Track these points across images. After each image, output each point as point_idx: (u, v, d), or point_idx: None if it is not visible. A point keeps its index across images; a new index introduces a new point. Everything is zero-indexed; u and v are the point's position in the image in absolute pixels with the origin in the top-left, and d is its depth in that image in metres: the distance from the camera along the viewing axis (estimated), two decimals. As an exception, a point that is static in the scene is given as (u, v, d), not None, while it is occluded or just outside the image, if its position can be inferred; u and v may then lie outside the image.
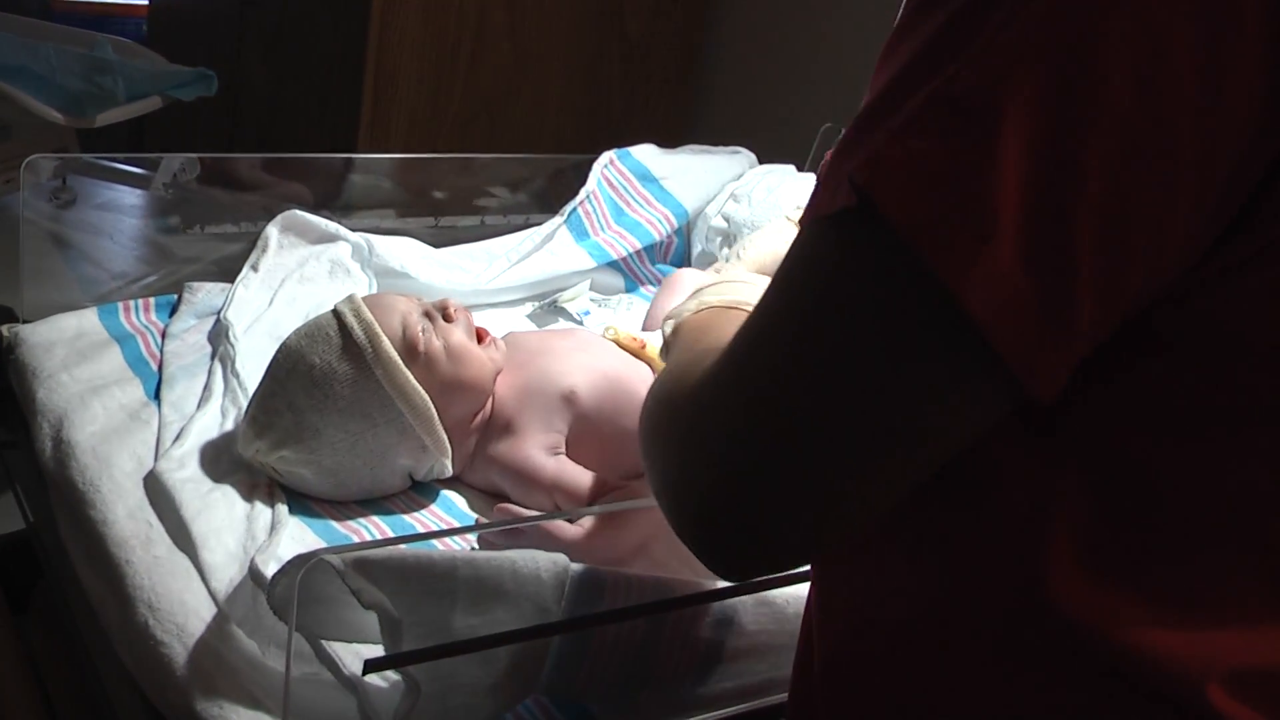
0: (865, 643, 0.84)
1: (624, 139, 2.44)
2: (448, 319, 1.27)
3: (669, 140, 1.89)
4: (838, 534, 0.77)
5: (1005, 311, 0.63)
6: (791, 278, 0.74)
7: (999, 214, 0.62)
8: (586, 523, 1.15)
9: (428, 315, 1.26)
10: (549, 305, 1.67)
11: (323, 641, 0.95)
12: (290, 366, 1.22)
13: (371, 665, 0.86)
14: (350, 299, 1.25)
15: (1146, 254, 0.63)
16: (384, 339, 1.21)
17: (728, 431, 0.75)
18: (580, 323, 1.66)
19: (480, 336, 1.28)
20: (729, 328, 0.80)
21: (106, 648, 1.10)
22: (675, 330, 1.08)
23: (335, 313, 1.24)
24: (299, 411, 1.20)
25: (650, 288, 1.79)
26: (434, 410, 1.21)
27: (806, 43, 2.47)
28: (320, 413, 1.20)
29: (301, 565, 0.85)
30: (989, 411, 0.69)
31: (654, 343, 1.35)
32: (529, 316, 1.67)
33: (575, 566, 0.96)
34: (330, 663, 0.95)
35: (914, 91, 0.65)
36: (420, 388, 1.21)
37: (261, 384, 1.24)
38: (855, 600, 0.85)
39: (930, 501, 0.76)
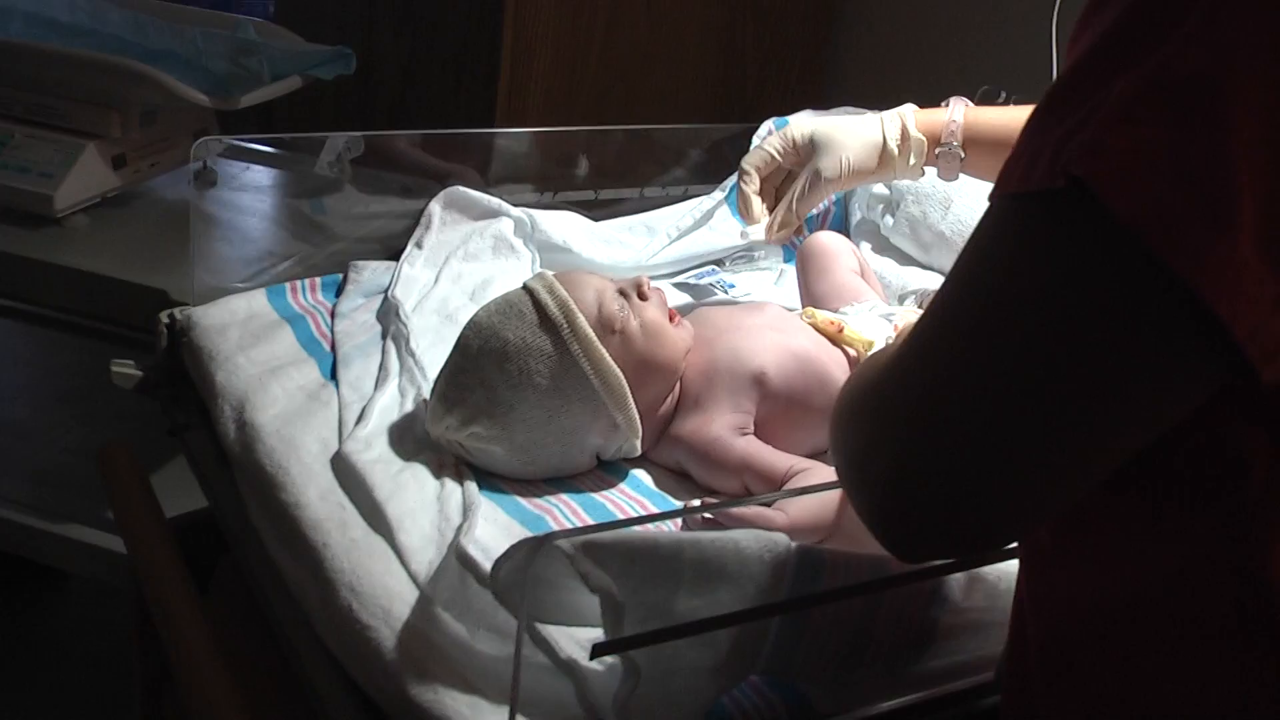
0: (1085, 628, 0.82)
1: (759, 105, 2.42)
2: (642, 297, 1.24)
3: (803, 103, 1.86)
4: (1022, 523, 0.76)
5: (1244, 301, 0.61)
6: (983, 255, 0.72)
7: (1236, 201, 0.60)
8: (786, 506, 1.13)
9: (622, 293, 1.24)
10: (700, 276, 1.65)
11: (538, 625, 0.93)
12: (482, 342, 1.20)
13: (600, 649, 0.84)
14: (541, 275, 1.23)
15: None
16: (579, 315, 1.19)
17: (911, 411, 0.74)
18: (725, 292, 1.63)
19: (670, 316, 1.25)
20: None
21: (305, 630, 1.10)
22: (899, 335, 1.07)
23: (527, 289, 1.22)
24: (492, 387, 1.18)
25: (810, 258, 1.76)
26: (628, 389, 1.19)
27: (946, 2, 2.42)
28: (514, 388, 1.18)
29: (531, 550, 0.84)
30: (1197, 396, 0.67)
31: (855, 327, 1.32)
32: (675, 286, 1.65)
33: (795, 546, 0.94)
34: (547, 647, 0.93)
35: (1122, 67, 0.63)
36: (615, 365, 1.19)
37: (450, 360, 1.23)
38: (1073, 585, 0.83)
39: (1164, 490, 0.74)
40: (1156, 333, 0.65)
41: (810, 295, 1.48)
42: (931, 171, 1.47)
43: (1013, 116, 1.42)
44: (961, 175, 1.47)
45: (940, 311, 0.76)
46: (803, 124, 1.47)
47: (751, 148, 1.52)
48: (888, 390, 0.78)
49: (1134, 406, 0.68)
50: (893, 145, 1.42)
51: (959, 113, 1.42)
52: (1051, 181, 0.65)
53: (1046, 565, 0.85)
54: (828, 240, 1.52)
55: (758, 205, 1.47)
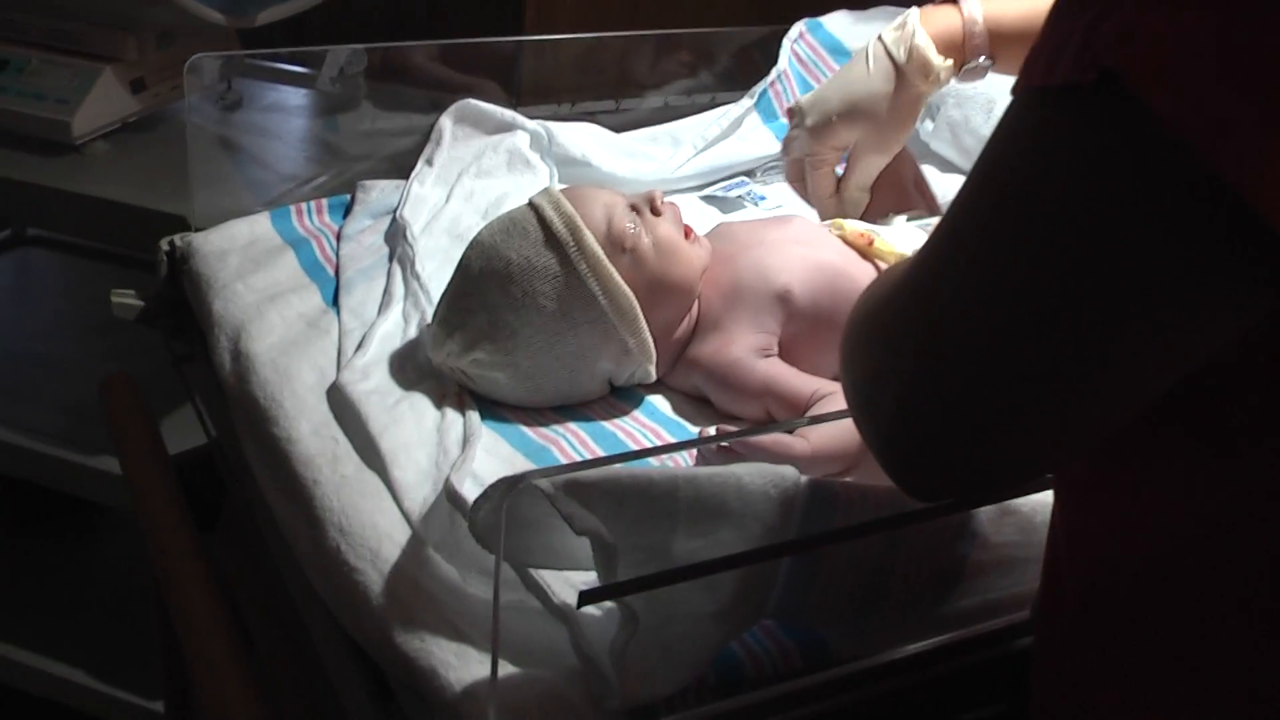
0: (1123, 566, 0.75)
1: (802, 5, 2.31)
2: (655, 212, 1.16)
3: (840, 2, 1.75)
4: (1041, 461, 0.69)
5: None
6: (1001, 159, 0.64)
7: None
8: (808, 433, 1.05)
9: (634, 209, 1.16)
10: (728, 189, 1.56)
11: (530, 569, 0.87)
12: (484, 263, 1.13)
13: (587, 597, 0.77)
14: (547, 191, 1.16)
15: None
16: (586, 232, 1.11)
17: (920, 334, 0.67)
18: (756, 205, 1.54)
19: (685, 233, 1.17)
20: None
21: (297, 571, 1.04)
22: None
23: (532, 205, 1.15)
24: (494, 310, 1.11)
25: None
26: (639, 310, 1.12)
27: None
28: (517, 311, 1.11)
29: (507, 490, 0.77)
30: (1240, 323, 0.59)
31: (888, 239, 1.23)
32: (702, 199, 1.56)
33: (804, 480, 0.86)
34: (539, 591, 0.87)
35: None
36: (625, 285, 1.11)
37: (451, 283, 1.16)
38: (1111, 521, 0.76)
39: (1210, 427, 0.67)
40: (1197, 247, 0.57)
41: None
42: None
43: (1035, 2, 1.28)
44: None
45: (953, 222, 0.68)
46: (819, 109, 1.32)
47: (783, 155, 1.39)
48: (896, 311, 0.71)
49: (1166, 333, 0.60)
50: (920, 86, 1.29)
51: (975, 13, 1.28)
52: (1079, 75, 0.57)
53: (1083, 498, 0.78)
54: None
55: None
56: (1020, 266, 0.62)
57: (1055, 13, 0.61)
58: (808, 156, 1.34)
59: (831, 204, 1.36)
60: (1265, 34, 0.52)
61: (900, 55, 1.28)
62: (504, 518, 0.76)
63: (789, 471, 0.86)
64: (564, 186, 1.20)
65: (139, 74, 1.90)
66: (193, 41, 2.03)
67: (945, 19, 1.29)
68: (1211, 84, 0.53)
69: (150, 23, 1.91)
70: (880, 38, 1.30)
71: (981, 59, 1.28)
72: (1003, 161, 0.64)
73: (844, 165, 1.36)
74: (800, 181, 1.37)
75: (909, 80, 1.28)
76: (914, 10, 1.30)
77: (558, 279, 1.11)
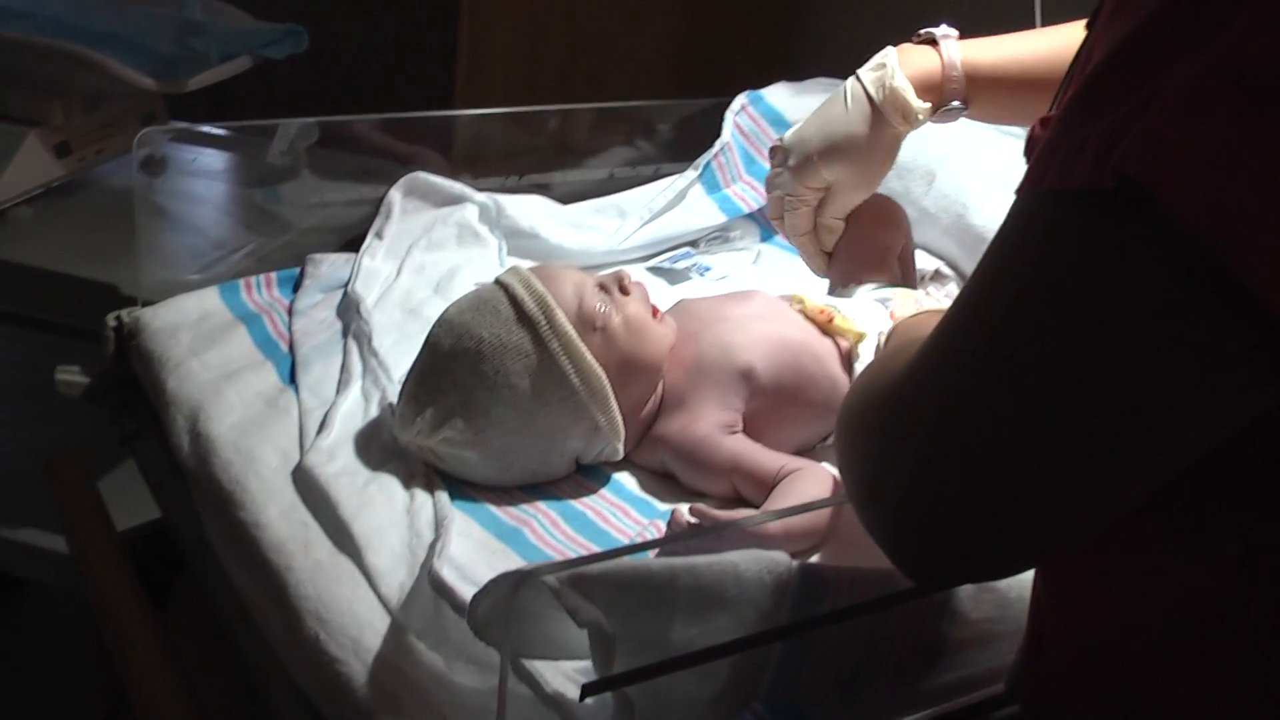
0: (1110, 638, 0.77)
1: (726, 74, 2.34)
2: (624, 291, 1.17)
3: (771, 70, 1.78)
4: (1046, 549, 0.71)
5: None
6: (1013, 259, 0.65)
7: None
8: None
9: (603, 288, 1.16)
10: (674, 260, 1.58)
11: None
12: (454, 341, 1.13)
13: (590, 689, 0.76)
14: (515, 270, 1.16)
15: None
16: (558, 311, 1.12)
17: (927, 427, 0.67)
18: (702, 276, 1.56)
19: (653, 312, 1.18)
20: None
21: (269, 658, 1.03)
22: (892, 331, 1.00)
23: (501, 284, 1.15)
24: (465, 389, 1.11)
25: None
26: (610, 389, 1.12)
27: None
28: (489, 390, 1.11)
29: (512, 584, 0.76)
30: (1248, 417, 0.61)
31: (848, 314, 1.24)
32: (649, 270, 1.58)
33: (795, 565, 0.87)
34: (532, 681, 0.86)
35: (1178, 52, 0.56)
36: (597, 364, 1.12)
37: (419, 361, 1.15)
38: (1096, 597, 0.77)
39: (1198, 511, 0.69)
40: (1215, 350, 0.59)
41: (840, 267, 1.39)
42: (912, 143, 1.38)
43: (1012, 49, 1.29)
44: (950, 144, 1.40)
45: (961, 318, 0.69)
46: (801, 150, 1.32)
47: (767, 191, 1.39)
48: (901, 403, 0.71)
49: (1177, 430, 0.62)
50: (898, 127, 1.30)
51: (955, 56, 1.28)
52: (1099, 181, 0.58)
53: (1067, 575, 0.79)
54: (875, 206, 1.39)
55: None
56: (1033, 363, 0.63)
57: (1066, 117, 0.63)
58: (788, 196, 1.34)
59: (808, 240, 1.37)
60: None
61: (879, 96, 1.28)
62: (511, 612, 0.76)
63: (781, 557, 0.87)
64: (532, 265, 1.20)
65: (64, 138, 1.88)
66: (119, 105, 2.01)
67: (923, 60, 1.30)
68: (1237, 195, 0.55)
69: (79, 87, 1.89)
70: (859, 77, 1.31)
71: (956, 102, 1.29)
72: (1015, 261, 0.65)
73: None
74: (780, 219, 1.38)
75: (887, 120, 1.29)
76: (891, 50, 1.31)
77: (530, 358, 1.11)
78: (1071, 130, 0.61)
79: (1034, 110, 1.25)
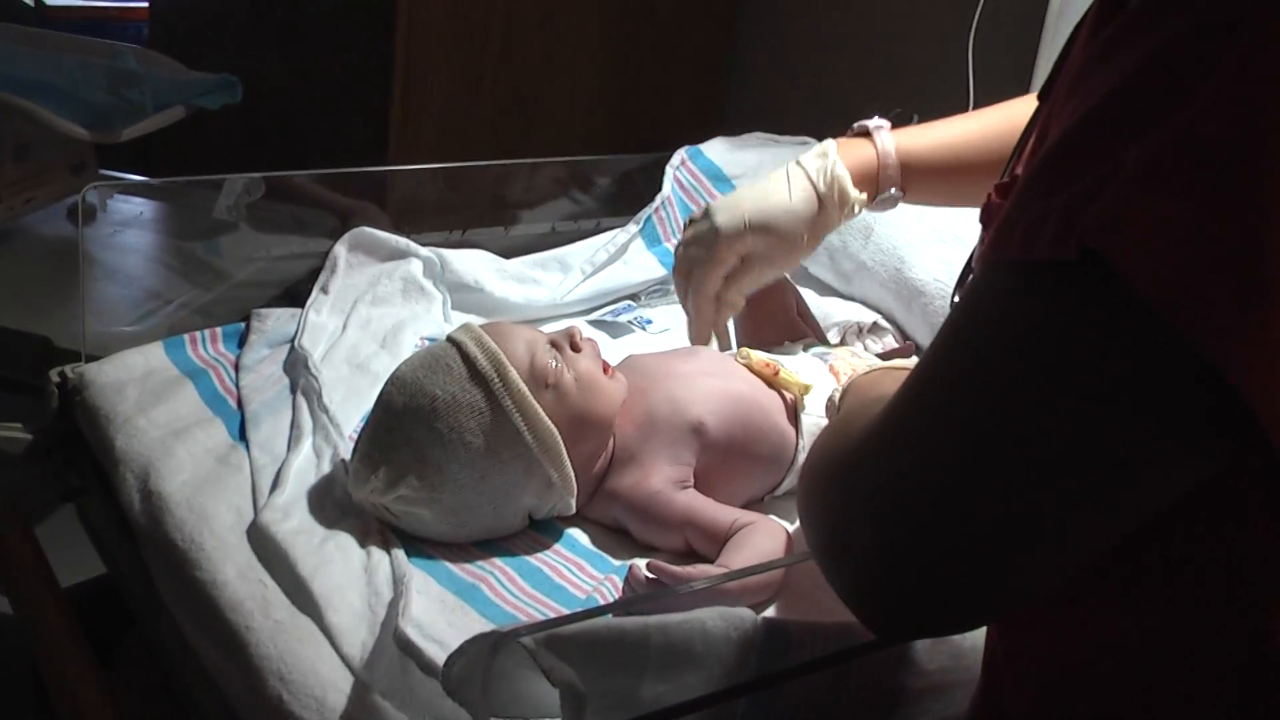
0: (1066, 687, 0.79)
1: (660, 126, 2.37)
2: (575, 348, 1.18)
3: (703, 124, 1.82)
4: (1007, 603, 0.72)
5: (1276, 385, 0.58)
6: (974, 322, 0.68)
7: (1267, 281, 0.56)
8: (733, 565, 1.09)
9: (554, 345, 1.18)
10: (616, 313, 1.60)
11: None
12: (407, 399, 1.13)
13: (564, 748, 0.78)
14: (467, 327, 1.17)
15: None
16: (511, 369, 1.13)
17: (890, 488, 0.69)
18: (644, 329, 1.58)
19: (604, 368, 1.20)
20: (898, 387, 0.74)
21: (228, 715, 1.03)
22: (845, 389, 1.02)
23: (454, 341, 1.16)
24: (419, 446, 1.11)
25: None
26: (563, 445, 1.13)
27: (844, 18, 2.39)
28: (443, 447, 1.11)
29: (490, 646, 0.77)
30: (1202, 475, 0.64)
31: (791, 368, 1.27)
32: (590, 323, 1.59)
33: (760, 621, 0.89)
34: (500, 739, 0.87)
35: (1137, 128, 0.59)
36: (549, 421, 1.13)
37: (372, 419, 1.16)
38: (1052, 647, 0.79)
39: (1151, 565, 0.71)
40: (1171, 414, 0.61)
41: (746, 332, 1.43)
42: None
43: (943, 135, 1.34)
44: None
45: (923, 379, 0.71)
46: (733, 211, 1.33)
47: (681, 240, 1.38)
48: (864, 464, 0.73)
49: (1134, 488, 0.64)
50: (834, 215, 1.33)
51: (889, 146, 1.34)
52: (1061, 253, 0.60)
53: (1021, 622, 0.81)
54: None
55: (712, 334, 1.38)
56: (993, 424, 0.65)
57: (1027, 190, 0.65)
58: (707, 254, 1.34)
59: (709, 305, 1.36)
60: (1241, 223, 0.57)
61: (822, 185, 1.32)
62: (488, 674, 0.77)
63: (746, 614, 0.88)
64: (477, 319, 1.21)
65: (-8, 187, 1.86)
66: (48, 155, 2.00)
67: (860, 151, 1.34)
68: (1192, 269, 0.57)
69: (8, 136, 1.87)
70: (800, 163, 1.33)
71: (893, 190, 1.33)
72: (976, 326, 0.68)
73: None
74: (685, 277, 1.37)
75: (826, 209, 1.32)
76: (831, 142, 1.35)
77: (483, 415, 1.12)
78: (1033, 201, 0.63)
79: (967, 193, 1.31)
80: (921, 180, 1.34)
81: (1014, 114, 1.29)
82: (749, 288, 1.36)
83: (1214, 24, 0.58)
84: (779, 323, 1.42)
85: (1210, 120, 0.57)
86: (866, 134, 1.35)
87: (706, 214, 1.35)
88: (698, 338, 1.38)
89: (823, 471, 0.79)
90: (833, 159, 1.32)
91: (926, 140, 1.34)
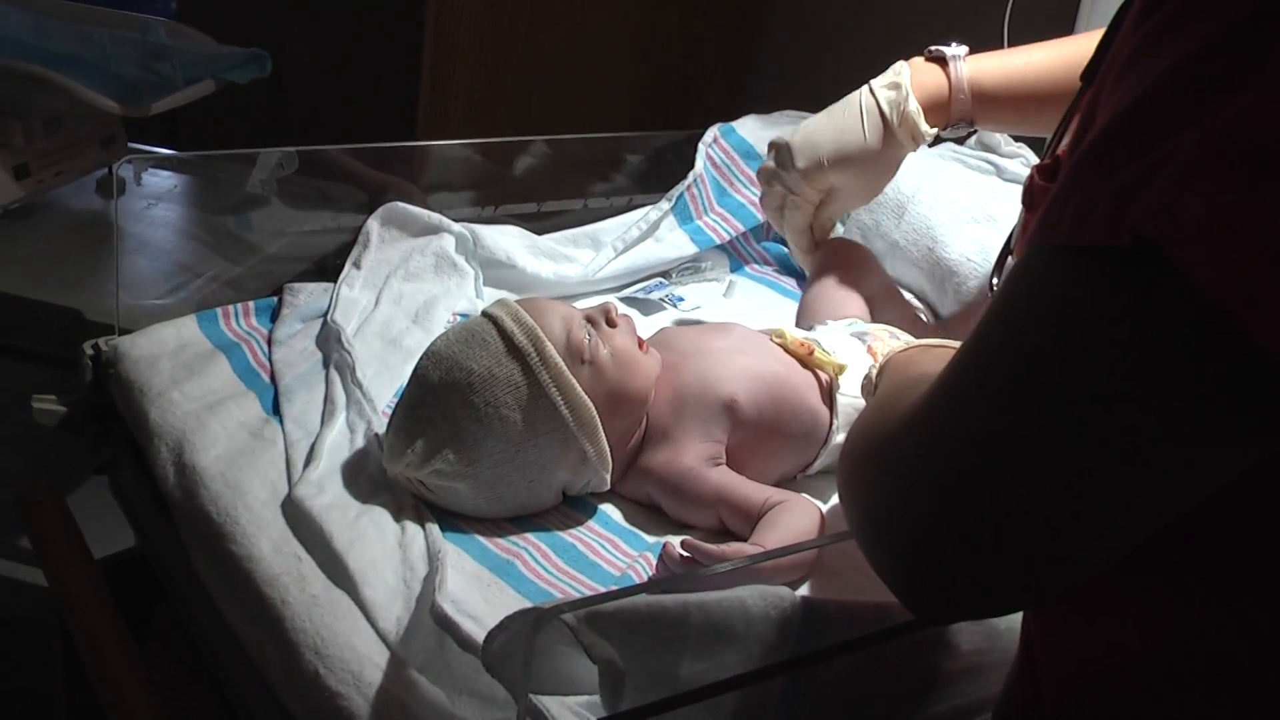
0: (1103, 675, 0.78)
1: (686, 105, 2.36)
2: (611, 324, 1.18)
3: (735, 101, 1.81)
4: (1051, 587, 0.71)
5: None
6: (1020, 304, 0.67)
7: None
8: (767, 544, 1.08)
9: (589, 320, 1.17)
10: (647, 290, 1.59)
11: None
12: (443, 374, 1.13)
13: (607, 725, 0.78)
14: (503, 302, 1.17)
15: None
16: (548, 344, 1.13)
17: (933, 469, 0.69)
18: (675, 306, 1.58)
19: (639, 344, 1.19)
20: (937, 365, 0.74)
21: (263, 693, 1.03)
22: (882, 367, 1.01)
23: (490, 316, 1.15)
24: (455, 421, 1.11)
25: (756, 266, 1.71)
26: (599, 420, 1.13)
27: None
28: (480, 421, 1.11)
29: (531, 622, 0.77)
30: (1250, 463, 0.63)
31: (828, 347, 1.26)
32: (622, 299, 1.59)
33: (799, 600, 0.89)
34: (538, 715, 0.87)
35: (1191, 115, 0.58)
36: (586, 396, 1.13)
37: (408, 393, 1.16)
38: (1090, 632, 0.79)
39: (1195, 553, 0.70)
40: (1221, 402, 0.60)
41: (805, 303, 1.47)
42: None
43: (1015, 65, 1.36)
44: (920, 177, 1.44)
45: (968, 361, 0.71)
46: (811, 153, 1.39)
47: (763, 185, 1.45)
48: (904, 444, 0.73)
49: (1182, 475, 0.64)
50: (907, 147, 1.38)
51: (963, 76, 1.35)
52: (1113, 239, 0.60)
53: (1061, 618, 0.81)
54: (841, 250, 1.50)
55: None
56: (1035, 411, 0.64)
57: (1077, 173, 0.64)
58: (791, 195, 1.42)
59: (804, 236, 1.45)
60: None
61: (893, 118, 1.36)
62: (530, 650, 0.77)
63: (785, 592, 0.88)
64: (509, 295, 1.21)
65: (23, 159, 1.86)
66: (78, 128, 2.00)
67: (933, 80, 1.37)
68: (1247, 258, 0.56)
69: (39, 109, 1.87)
70: (874, 93, 1.37)
71: (963, 124, 1.37)
72: (1020, 310, 0.67)
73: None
74: (777, 211, 1.45)
75: (896, 139, 1.36)
76: (904, 67, 1.37)
77: (520, 389, 1.12)
78: (1083, 186, 0.63)
79: (1038, 123, 1.34)
80: (992, 110, 1.36)
81: (1080, 48, 1.31)
82: (838, 214, 1.47)
83: (1267, 13, 0.57)
84: (845, 301, 1.43)
85: (1262, 110, 0.56)
86: (941, 59, 1.37)
87: (787, 152, 1.40)
88: (804, 264, 1.50)
89: (863, 451, 0.79)
90: (905, 90, 1.35)
91: (1000, 70, 1.36)
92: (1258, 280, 0.56)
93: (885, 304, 1.45)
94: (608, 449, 1.15)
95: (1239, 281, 0.57)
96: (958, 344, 0.72)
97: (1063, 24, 1.82)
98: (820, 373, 1.25)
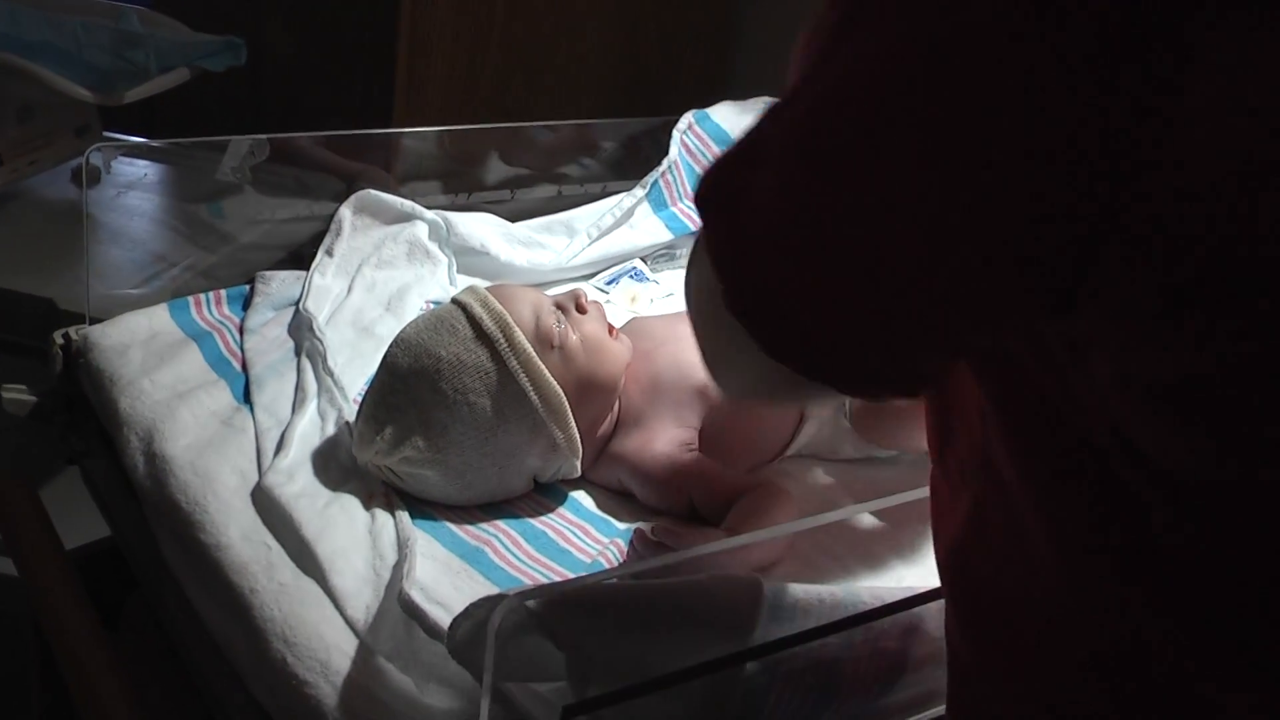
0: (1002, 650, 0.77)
1: (664, 91, 2.36)
2: (581, 310, 1.18)
3: (710, 88, 1.80)
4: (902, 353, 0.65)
5: None
6: None
7: None
8: (737, 530, 1.08)
9: (559, 307, 1.17)
10: (622, 275, 1.59)
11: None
12: (412, 360, 1.13)
13: (571, 711, 0.78)
14: (472, 289, 1.16)
15: None
16: (517, 330, 1.12)
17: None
18: (639, 282, 1.58)
19: (609, 330, 1.19)
20: None
21: (232, 681, 1.02)
22: None
23: (459, 303, 1.15)
24: (424, 408, 1.11)
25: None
26: (569, 407, 1.13)
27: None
28: (449, 408, 1.11)
29: (493, 609, 0.77)
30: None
31: None
32: (596, 287, 1.59)
33: (767, 587, 0.89)
34: (506, 703, 0.87)
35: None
36: (555, 382, 1.12)
37: (377, 380, 1.15)
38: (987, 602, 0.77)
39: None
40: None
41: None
42: None
43: None
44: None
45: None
46: None
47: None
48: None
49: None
50: None
51: None
52: None
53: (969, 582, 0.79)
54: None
55: None
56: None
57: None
58: None
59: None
60: None
61: None
62: (495, 637, 0.76)
63: (754, 580, 0.88)
64: (482, 283, 1.20)
65: (-4, 149, 1.86)
66: (52, 117, 1.99)
67: None
68: None
69: (11, 97, 1.87)
70: None
71: None
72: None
73: None
74: None
75: None
76: None
77: (489, 375, 1.12)
78: None
79: None
80: None
81: None
82: None
83: None
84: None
85: None
86: None
87: None
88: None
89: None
90: None
91: None
92: None
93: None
94: (578, 435, 1.15)
95: None
96: None
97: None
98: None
